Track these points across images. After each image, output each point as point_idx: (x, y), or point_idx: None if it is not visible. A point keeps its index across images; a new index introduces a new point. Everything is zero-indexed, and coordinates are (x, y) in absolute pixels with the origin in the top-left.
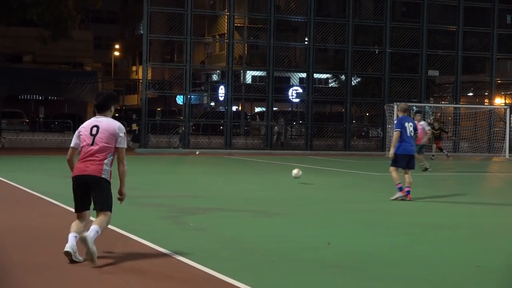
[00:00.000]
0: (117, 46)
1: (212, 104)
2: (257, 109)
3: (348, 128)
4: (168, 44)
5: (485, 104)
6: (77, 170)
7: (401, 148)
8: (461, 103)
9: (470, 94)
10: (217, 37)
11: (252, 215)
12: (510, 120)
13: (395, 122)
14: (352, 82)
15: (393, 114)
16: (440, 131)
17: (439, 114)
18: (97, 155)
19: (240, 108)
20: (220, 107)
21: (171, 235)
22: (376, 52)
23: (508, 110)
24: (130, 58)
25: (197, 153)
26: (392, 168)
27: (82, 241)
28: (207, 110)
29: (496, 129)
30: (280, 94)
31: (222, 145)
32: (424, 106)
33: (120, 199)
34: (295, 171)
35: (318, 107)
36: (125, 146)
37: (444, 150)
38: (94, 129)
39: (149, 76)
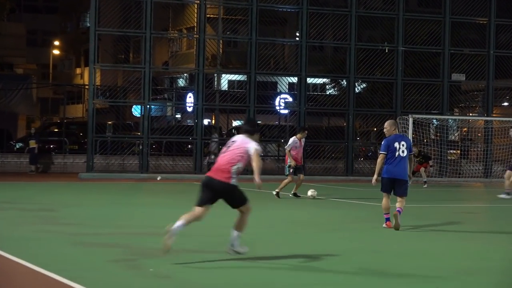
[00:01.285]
0: (56, 43)
1: (178, 116)
2: (235, 123)
3: (351, 147)
4: (122, 41)
5: None
6: None
7: (384, 171)
8: (494, 115)
9: (506, 104)
10: (184, 31)
11: (229, 258)
12: None
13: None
14: (356, 89)
15: (408, 128)
16: (422, 157)
17: (465, 129)
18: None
19: (213, 121)
20: (188, 120)
21: (125, 284)
22: (386, 51)
23: None
24: (73, 58)
25: (158, 178)
26: (383, 194)
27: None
28: (171, 124)
29: None
30: (264, 103)
31: (190, 169)
32: (447, 120)
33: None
34: (310, 192)
35: (312, 120)
36: None
37: (423, 175)
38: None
39: (98, 81)
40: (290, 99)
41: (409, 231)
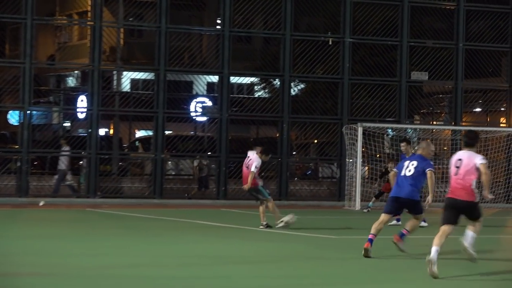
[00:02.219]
0: None
1: (67, 125)
2: (139, 133)
3: (285, 164)
4: None
5: (502, 125)
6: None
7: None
8: (464, 123)
9: (478, 109)
10: (75, 17)
11: None
12: None
13: None
14: (292, 90)
15: (357, 140)
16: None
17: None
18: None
19: (112, 131)
20: (80, 130)
21: None
22: (330, 43)
23: None
24: None
25: (41, 204)
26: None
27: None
28: (58, 135)
29: None
30: (176, 109)
31: (80, 192)
32: (405, 129)
33: None
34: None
35: (237, 129)
36: None
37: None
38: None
39: None
40: (209, 104)
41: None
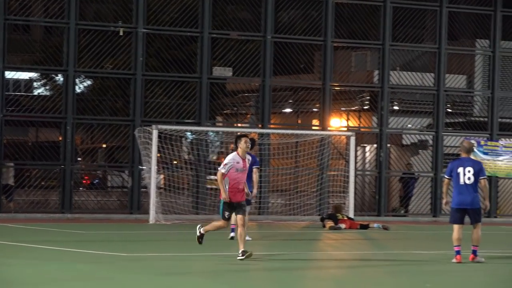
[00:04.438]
0: None
1: None
2: None
3: (69, 172)
4: None
5: (314, 128)
6: None
7: (453, 200)
8: (272, 126)
9: (288, 110)
10: None
11: None
12: (356, 157)
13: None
14: (77, 88)
15: (152, 144)
16: None
17: (232, 145)
18: None
19: None
20: None
21: None
22: (121, 34)
23: (353, 140)
24: None
25: None
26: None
27: None
28: None
29: (332, 172)
30: None
31: None
32: (207, 132)
33: None
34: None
35: (13, 132)
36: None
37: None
38: None
39: None
40: None
41: None
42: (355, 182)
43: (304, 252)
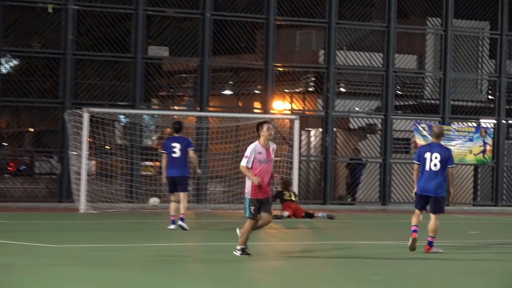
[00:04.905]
0: None
1: None
2: None
3: None
4: None
5: (256, 111)
6: None
7: (418, 186)
8: (211, 109)
9: (228, 92)
10: None
11: None
12: (300, 142)
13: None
14: (3, 68)
15: (83, 128)
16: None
17: (168, 129)
18: None
19: None
20: None
21: None
22: (50, 11)
23: (297, 123)
24: None
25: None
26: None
27: None
28: None
29: (275, 158)
30: None
31: None
32: (141, 115)
33: None
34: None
35: None
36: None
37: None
38: None
39: None
40: None
41: None
42: (299, 169)
43: None
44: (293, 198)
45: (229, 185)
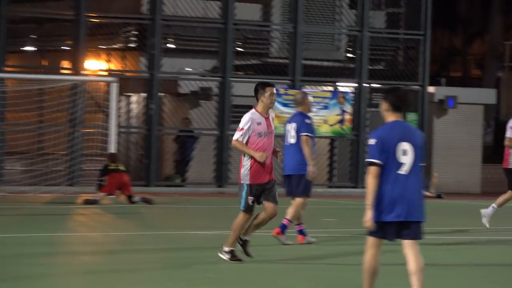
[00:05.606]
0: None
1: None
2: None
3: None
4: None
5: (64, 71)
6: None
7: None
8: (8, 69)
9: (30, 48)
10: None
11: None
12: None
13: None
14: None
15: None
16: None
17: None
18: None
19: None
20: None
21: None
22: None
23: (115, 87)
24: None
25: None
26: None
27: None
28: None
29: (88, 129)
30: None
31: None
32: None
33: None
34: None
35: None
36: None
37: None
38: None
39: None
40: None
41: None
42: (118, 143)
43: (48, 233)
44: (121, 168)
45: (31, 163)
